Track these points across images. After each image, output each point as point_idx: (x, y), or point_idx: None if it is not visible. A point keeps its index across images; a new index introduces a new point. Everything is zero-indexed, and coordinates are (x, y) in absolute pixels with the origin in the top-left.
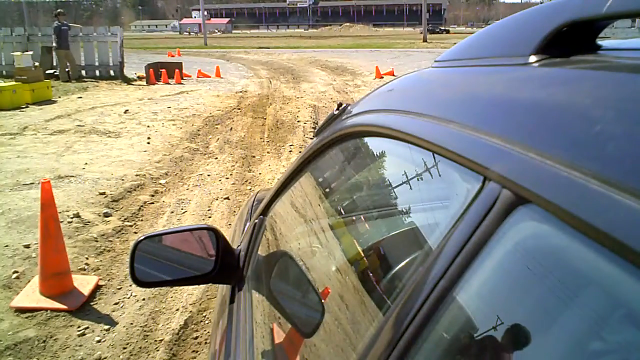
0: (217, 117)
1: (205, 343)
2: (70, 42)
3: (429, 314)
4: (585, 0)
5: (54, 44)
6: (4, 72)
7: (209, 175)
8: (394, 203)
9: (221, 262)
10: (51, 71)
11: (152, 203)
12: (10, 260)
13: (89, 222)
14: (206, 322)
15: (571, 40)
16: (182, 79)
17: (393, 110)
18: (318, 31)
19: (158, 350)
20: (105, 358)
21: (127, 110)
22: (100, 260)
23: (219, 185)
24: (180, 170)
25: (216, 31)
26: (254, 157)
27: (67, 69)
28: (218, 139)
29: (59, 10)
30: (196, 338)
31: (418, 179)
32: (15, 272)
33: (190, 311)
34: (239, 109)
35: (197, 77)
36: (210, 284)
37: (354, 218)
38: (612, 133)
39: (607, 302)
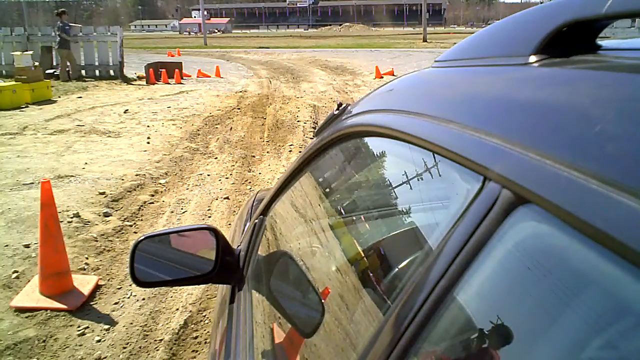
0: (217, 117)
1: (205, 343)
2: (71, 42)
3: (429, 314)
4: (585, 0)
5: (58, 44)
6: (4, 72)
7: (208, 175)
8: (394, 203)
9: (221, 262)
10: (51, 71)
11: (152, 203)
12: (10, 260)
13: (88, 221)
14: (206, 321)
15: (571, 40)
16: (182, 78)
17: (393, 110)
18: (318, 31)
19: (158, 350)
20: (105, 358)
21: (127, 110)
22: (100, 260)
23: (218, 185)
24: (180, 170)
25: (216, 31)
26: (253, 157)
27: (67, 69)
28: (218, 138)
29: (62, 9)
30: (196, 338)
31: (418, 179)
32: (15, 271)
33: (190, 311)
34: (239, 108)
35: (197, 76)
36: (210, 284)
37: (354, 218)
38: (612, 133)
39: (607, 302)
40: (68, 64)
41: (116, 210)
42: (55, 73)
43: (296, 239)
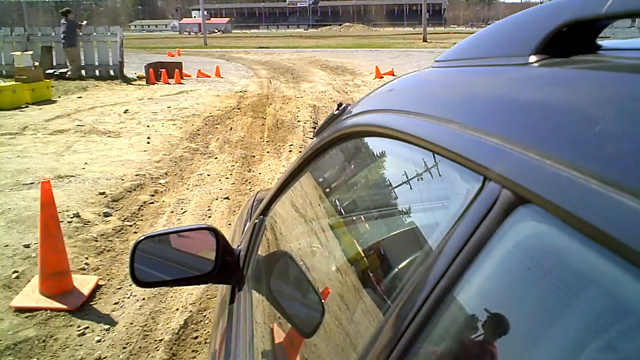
0: (217, 117)
1: (205, 343)
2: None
3: (429, 314)
4: (585, 0)
5: (67, 43)
6: (4, 72)
7: (208, 175)
8: (394, 203)
9: (221, 262)
10: (51, 71)
11: (152, 203)
12: (10, 260)
13: (88, 221)
14: (206, 321)
15: (571, 40)
16: (182, 78)
17: (393, 110)
18: (318, 31)
19: (158, 350)
20: (105, 358)
21: (127, 110)
22: (100, 260)
23: (218, 185)
24: (180, 170)
25: (216, 31)
26: (253, 157)
27: (67, 68)
28: (218, 138)
29: (67, 8)
30: (196, 338)
31: (418, 179)
32: (15, 271)
33: (190, 311)
34: (239, 108)
35: (197, 76)
36: (210, 284)
37: (354, 218)
38: (612, 133)
39: (607, 302)
40: (69, 62)
41: (116, 210)
42: (55, 73)
43: (296, 239)
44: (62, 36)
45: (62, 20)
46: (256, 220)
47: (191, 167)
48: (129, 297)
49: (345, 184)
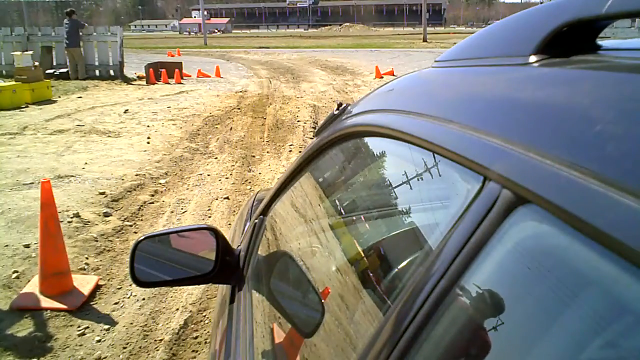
0: (217, 117)
1: (205, 343)
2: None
3: (429, 313)
4: (586, 0)
5: (72, 43)
6: (4, 72)
7: (208, 175)
8: (394, 203)
9: (221, 262)
10: (51, 71)
11: (152, 203)
12: (10, 260)
13: (88, 221)
14: (206, 321)
15: (571, 40)
16: (182, 78)
17: (393, 110)
18: (318, 31)
19: (158, 350)
20: (105, 358)
21: (127, 110)
22: (100, 260)
23: (218, 185)
24: (180, 170)
25: (216, 31)
26: (253, 157)
27: (68, 68)
28: (218, 138)
29: (71, 9)
30: (196, 338)
31: (418, 179)
32: (15, 271)
33: (190, 311)
34: (239, 108)
35: (197, 76)
36: (210, 284)
37: (354, 218)
38: (612, 133)
39: (607, 302)
40: (70, 61)
41: (116, 210)
42: (55, 73)
43: (296, 239)
44: (65, 36)
45: (66, 21)
46: (256, 220)
47: (191, 167)
48: (129, 297)
49: (345, 184)
